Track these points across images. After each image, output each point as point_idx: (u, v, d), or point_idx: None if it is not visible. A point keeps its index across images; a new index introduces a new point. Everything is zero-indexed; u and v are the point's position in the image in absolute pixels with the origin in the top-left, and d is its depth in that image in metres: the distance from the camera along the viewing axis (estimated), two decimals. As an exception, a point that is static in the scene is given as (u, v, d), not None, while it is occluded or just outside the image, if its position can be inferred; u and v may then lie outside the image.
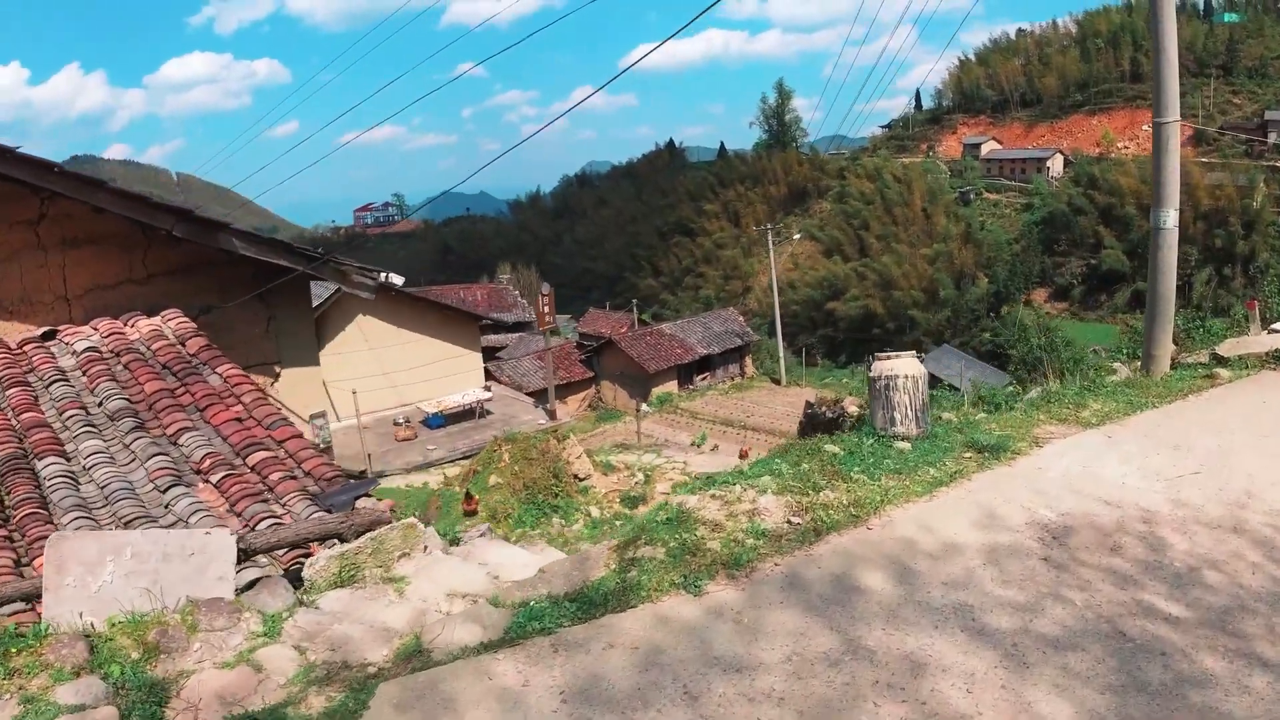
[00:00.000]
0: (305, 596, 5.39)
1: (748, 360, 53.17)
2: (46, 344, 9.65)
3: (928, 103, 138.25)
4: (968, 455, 7.15)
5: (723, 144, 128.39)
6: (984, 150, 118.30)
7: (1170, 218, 10.30)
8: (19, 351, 9.50)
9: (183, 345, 9.62)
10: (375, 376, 27.96)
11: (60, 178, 9.12)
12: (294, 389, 11.45)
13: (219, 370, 9.16)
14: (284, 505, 7.28)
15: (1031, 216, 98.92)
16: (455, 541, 9.57)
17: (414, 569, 5.86)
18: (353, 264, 11.81)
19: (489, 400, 28.11)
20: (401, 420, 26.93)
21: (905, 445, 7.17)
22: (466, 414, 26.74)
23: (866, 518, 6.05)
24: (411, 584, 5.62)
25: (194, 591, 5.22)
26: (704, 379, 50.64)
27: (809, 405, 21.12)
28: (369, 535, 5.99)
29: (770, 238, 54.60)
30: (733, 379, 51.66)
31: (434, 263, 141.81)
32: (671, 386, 48.80)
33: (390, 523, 6.26)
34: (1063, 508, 6.28)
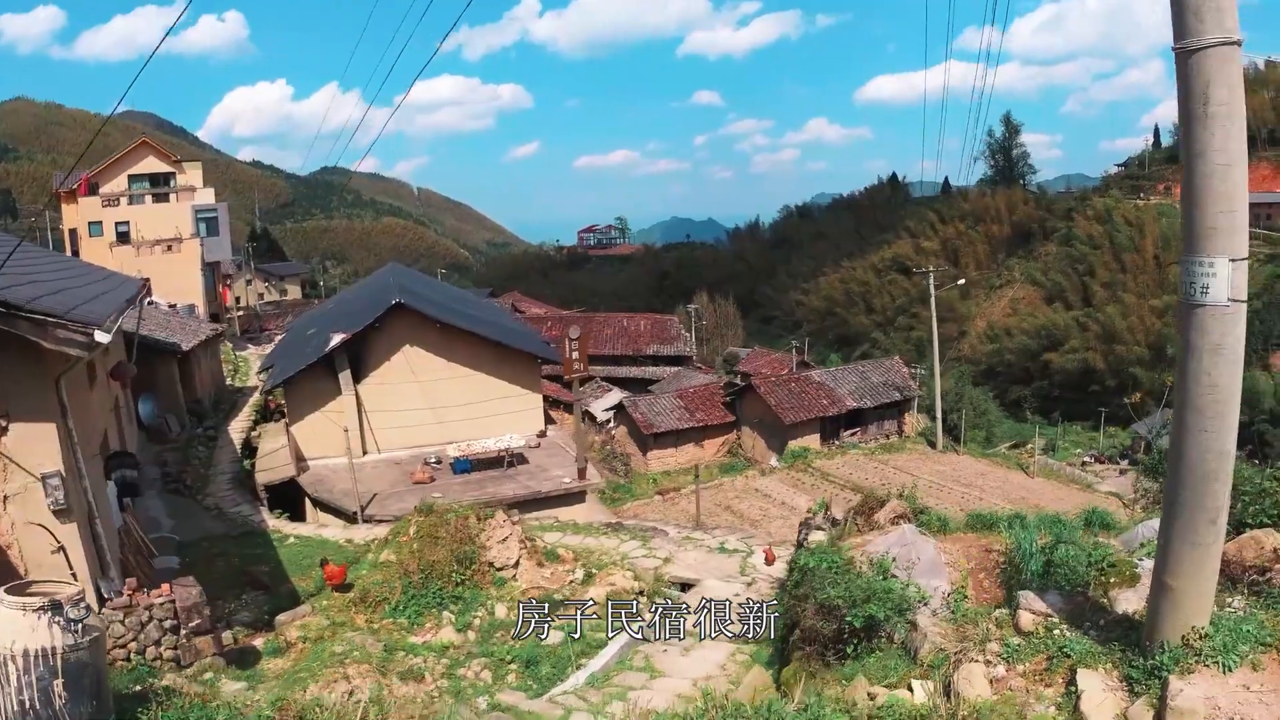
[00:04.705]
0: None
1: (907, 417, 47.72)
2: None
3: (1166, 140, 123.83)
4: None
5: (946, 179, 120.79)
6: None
7: (1223, 276, 5.29)
8: None
9: None
10: (419, 410, 26.48)
11: None
12: (28, 444, 10.67)
13: None
14: None
15: (1277, 269, 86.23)
16: None
17: None
18: (60, 319, 9.93)
19: (527, 447, 25.78)
20: (433, 460, 25.16)
21: None
22: (496, 461, 24.54)
23: None
24: None
25: None
26: (853, 434, 45.89)
27: (812, 512, 17.11)
28: None
29: (932, 283, 48.77)
30: (887, 437, 46.49)
31: (650, 287, 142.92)
32: (812, 440, 44.46)
33: None
34: None
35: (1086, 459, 64.66)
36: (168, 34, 7.04)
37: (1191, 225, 5.37)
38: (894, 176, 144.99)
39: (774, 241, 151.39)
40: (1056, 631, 6.37)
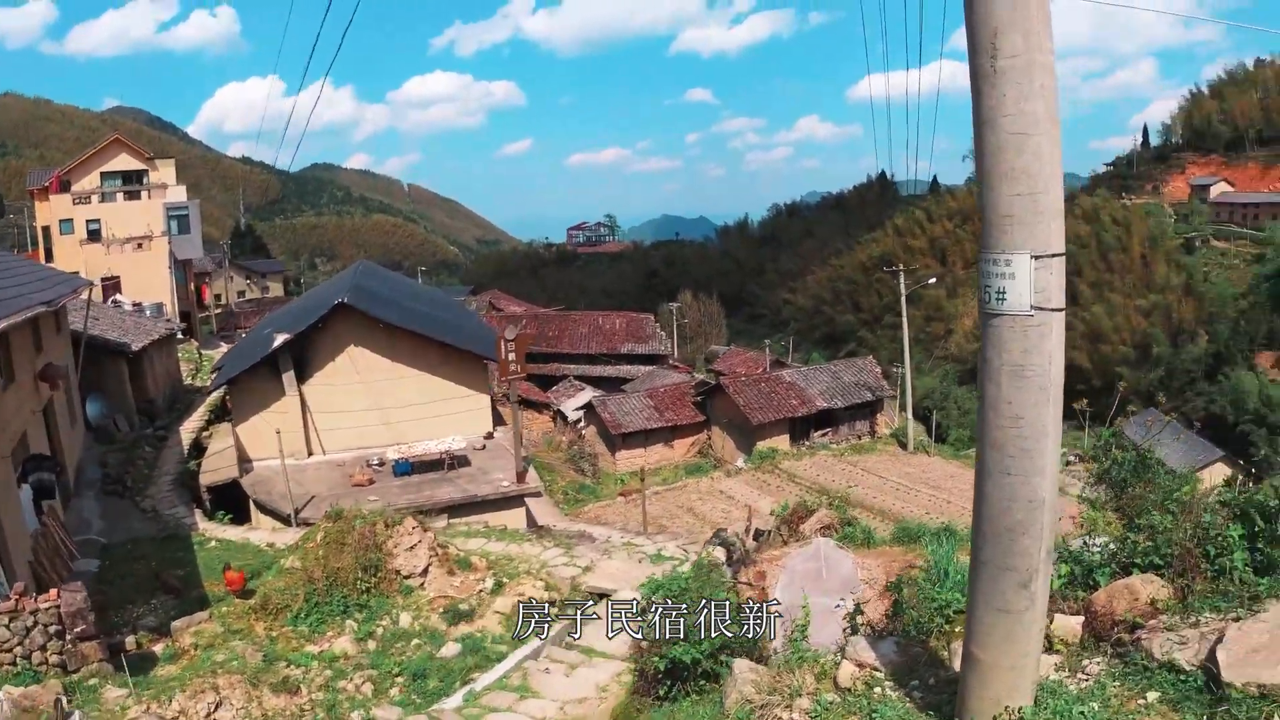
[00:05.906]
0: None
1: (879, 418, 47.44)
2: None
3: (1155, 139, 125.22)
4: None
5: (935, 178, 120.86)
6: (1213, 192, 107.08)
7: (1024, 277, 4.40)
8: None
9: None
10: (365, 411, 26.18)
11: None
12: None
13: None
14: None
15: (1263, 269, 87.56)
16: None
17: None
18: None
19: (471, 449, 25.46)
20: (375, 462, 24.85)
21: None
22: (437, 464, 24.23)
23: None
24: None
25: None
26: (824, 435, 45.58)
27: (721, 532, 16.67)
28: None
29: (902, 281, 48.41)
30: (859, 437, 46.19)
31: (638, 284, 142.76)
32: (781, 441, 44.15)
33: None
34: None
35: (1071, 459, 64.36)
36: None
37: (984, 213, 4.40)
38: (883, 175, 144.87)
39: (763, 240, 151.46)
40: (877, 690, 5.48)
